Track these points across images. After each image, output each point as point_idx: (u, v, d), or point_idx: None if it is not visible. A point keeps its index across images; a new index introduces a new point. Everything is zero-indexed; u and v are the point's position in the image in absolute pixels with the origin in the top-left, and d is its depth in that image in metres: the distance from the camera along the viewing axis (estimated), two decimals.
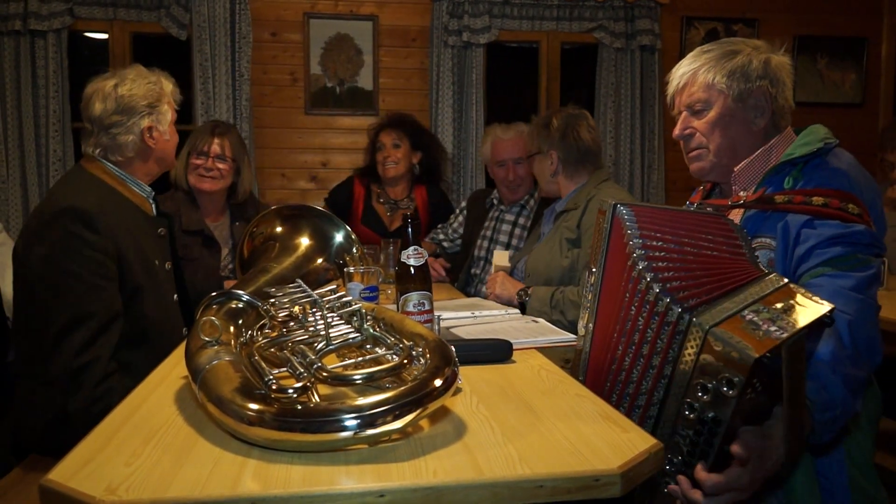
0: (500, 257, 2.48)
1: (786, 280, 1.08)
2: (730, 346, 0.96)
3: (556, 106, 3.94)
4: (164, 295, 1.79)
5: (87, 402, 1.55)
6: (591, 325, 1.29)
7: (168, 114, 1.85)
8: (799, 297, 1.04)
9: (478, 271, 2.80)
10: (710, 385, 0.99)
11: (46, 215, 1.62)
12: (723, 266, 1.14)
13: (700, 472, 1.01)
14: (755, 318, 1.00)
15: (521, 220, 2.76)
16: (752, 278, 1.10)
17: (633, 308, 1.14)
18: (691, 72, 1.41)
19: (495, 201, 2.87)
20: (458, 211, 3.11)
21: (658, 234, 1.17)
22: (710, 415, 0.99)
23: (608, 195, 2.13)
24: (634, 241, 1.16)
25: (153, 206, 1.86)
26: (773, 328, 0.97)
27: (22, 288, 1.65)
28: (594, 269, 1.27)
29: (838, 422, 1.09)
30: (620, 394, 1.18)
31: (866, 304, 1.15)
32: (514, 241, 2.73)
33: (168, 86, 1.89)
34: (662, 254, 1.15)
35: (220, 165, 2.49)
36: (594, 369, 1.26)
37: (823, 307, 1.01)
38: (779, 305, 1.03)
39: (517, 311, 1.93)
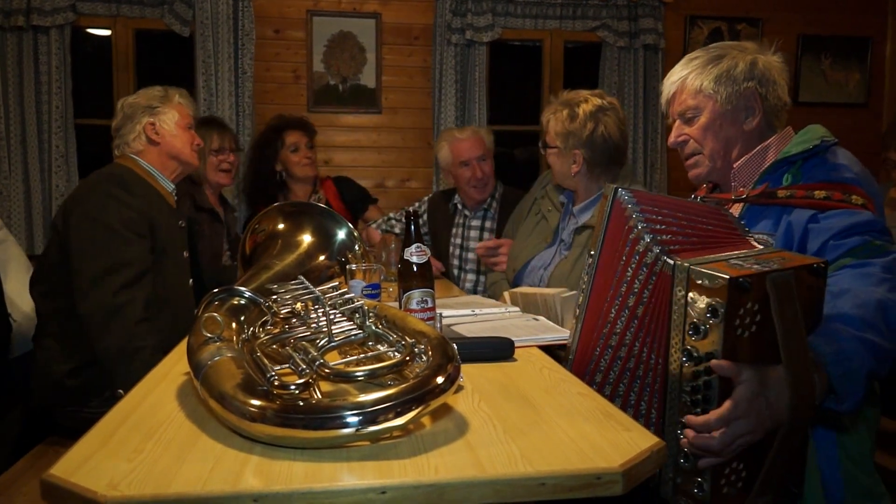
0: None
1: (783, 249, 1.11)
2: (708, 276, 0.98)
3: None
4: (183, 275, 2.00)
5: (122, 340, 1.70)
6: (583, 303, 1.29)
7: (172, 114, 2.03)
8: (791, 255, 1.07)
9: (454, 280, 2.81)
10: (697, 322, 1.00)
11: (87, 184, 1.86)
12: (719, 237, 1.17)
13: (698, 418, 0.99)
14: (740, 262, 1.02)
15: (487, 224, 2.77)
16: (748, 245, 1.14)
17: (629, 269, 1.16)
18: (680, 80, 1.44)
19: (459, 206, 2.84)
20: (419, 209, 3.02)
21: (658, 217, 1.19)
22: (703, 353, 0.99)
23: None
24: (636, 215, 1.18)
25: (175, 201, 2.07)
26: (755, 266, 1.00)
27: (56, 249, 1.83)
28: (592, 252, 1.27)
29: (856, 379, 1.03)
30: (610, 363, 1.20)
31: (895, 284, 1.11)
32: None
33: (175, 95, 2.08)
34: (662, 227, 1.16)
35: (232, 158, 2.69)
36: (583, 346, 1.28)
37: (814, 259, 1.04)
38: (769, 257, 1.06)
39: (517, 308, 1.92)
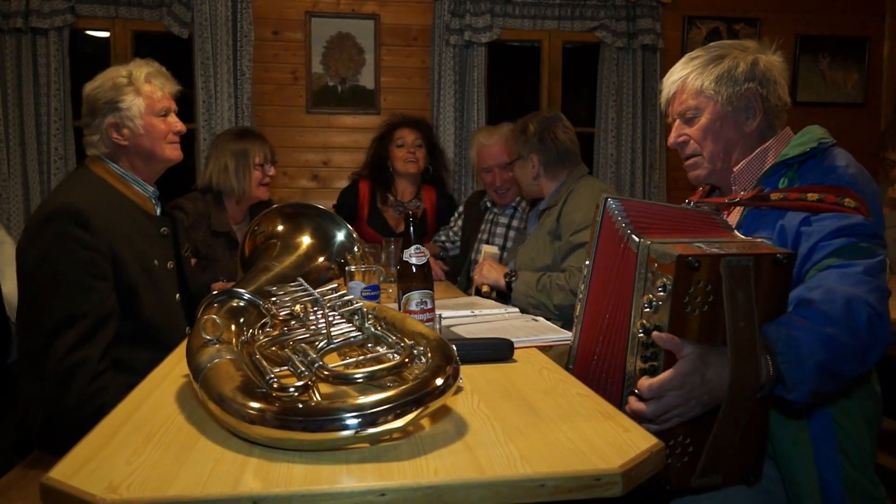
0: (488, 248, 2.62)
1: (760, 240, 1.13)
2: (662, 254, 1.03)
3: (557, 105, 3.94)
4: (165, 295, 1.79)
5: (78, 401, 1.55)
6: (581, 313, 1.32)
7: (137, 104, 1.75)
8: (766, 246, 1.09)
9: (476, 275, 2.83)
10: (652, 297, 1.05)
11: (42, 215, 1.62)
12: (702, 230, 1.20)
13: (640, 381, 1.04)
14: (703, 245, 1.05)
15: (515, 223, 2.80)
16: (729, 237, 1.16)
17: (616, 267, 1.19)
18: (680, 80, 1.43)
19: (489, 204, 2.91)
20: (457, 213, 3.14)
21: (643, 219, 1.21)
22: (653, 325, 1.04)
23: (588, 187, 2.25)
24: (621, 217, 1.21)
25: (156, 205, 1.85)
26: (713, 249, 1.02)
27: (22, 286, 1.66)
28: (587, 262, 1.31)
29: (804, 368, 1.03)
30: (599, 356, 1.23)
31: (874, 286, 1.12)
32: (509, 244, 2.75)
33: (141, 74, 1.77)
34: (645, 224, 1.19)
35: (273, 171, 2.58)
36: (583, 349, 1.30)
37: (780, 250, 1.06)
38: (739, 245, 1.08)
39: (517, 309, 1.93)
